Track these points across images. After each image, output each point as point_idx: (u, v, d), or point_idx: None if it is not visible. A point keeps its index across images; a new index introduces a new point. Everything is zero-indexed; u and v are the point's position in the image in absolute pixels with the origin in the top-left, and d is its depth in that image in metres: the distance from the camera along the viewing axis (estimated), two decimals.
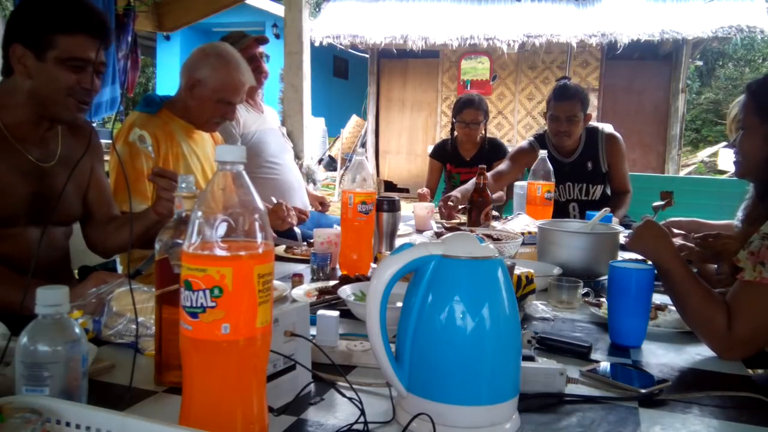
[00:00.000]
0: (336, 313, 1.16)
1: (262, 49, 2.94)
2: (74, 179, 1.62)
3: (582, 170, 3.10)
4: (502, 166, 3.20)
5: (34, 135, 1.55)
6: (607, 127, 3.32)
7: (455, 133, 3.61)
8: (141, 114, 2.10)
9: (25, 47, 1.46)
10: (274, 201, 2.35)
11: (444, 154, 3.67)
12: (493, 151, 3.53)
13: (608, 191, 3.17)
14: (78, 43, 1.47)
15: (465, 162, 3.57)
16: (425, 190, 3.21)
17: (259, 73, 2.84)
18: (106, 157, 2.11)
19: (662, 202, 1.97)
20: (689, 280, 1.30)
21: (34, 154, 1.54)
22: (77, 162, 1.47)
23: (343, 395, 0.98)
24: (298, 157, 3.59)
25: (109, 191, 1.80)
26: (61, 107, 1.51)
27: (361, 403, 0.90)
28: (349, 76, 14.68)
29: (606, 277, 1.43)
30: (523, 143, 3.30)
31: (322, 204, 3.12)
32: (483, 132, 3.56)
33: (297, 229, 2.34)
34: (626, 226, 2.96)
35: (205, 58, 2.10)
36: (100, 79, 1.56)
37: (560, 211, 3.00)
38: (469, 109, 3.47)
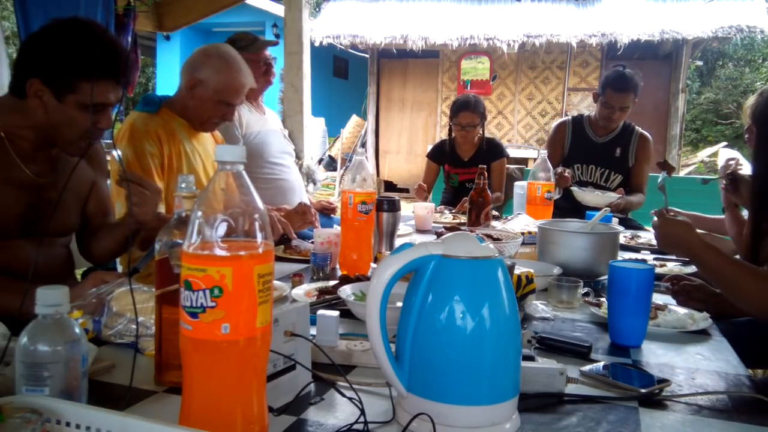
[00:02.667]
0: (336, 313, 1.16)
1: (268, 52, 2.95)
2: (74, 191, 1.60)
3: (609, 154, 3.23)
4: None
5: (36, 153, 1.52)
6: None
7: (453, 134, 3.61)
8: (141, 113, 2.10)
9: (44, 84, 1.39)
10: (288, 205, 2.36)
11: (442, 155, 3.66)
12: (491, 151, 3.52)
13: (625, 187, 3.20)
14: (102, 89, 1.41)
15: (463, 162, 3.57)
16: (424, 185, 3.33)
17: (269, 76, 2.89)
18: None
19: (664, 174, 1.93)
20: (730, 264, 1.25)
21: (32, 169, 1.50)
22: (69, 174, 1.45)
23: (343, 395, 0.98)
24: (298, 157, 3.59)
25: (109, 203, 1.77)
26: (73, 147, 1.49)
27: (361, 403, 0.90)
28: (349, 76, 14.67)
29: (606, 277, 1.43)
30: (559, 120, 3.47)
31: (327, 208, 3.10)
32: (481, 133, 3.56)
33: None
34: (628, 226, 2.96)
35: (207, 59, 2.11)
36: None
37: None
38: (465, 112, 3.45)
